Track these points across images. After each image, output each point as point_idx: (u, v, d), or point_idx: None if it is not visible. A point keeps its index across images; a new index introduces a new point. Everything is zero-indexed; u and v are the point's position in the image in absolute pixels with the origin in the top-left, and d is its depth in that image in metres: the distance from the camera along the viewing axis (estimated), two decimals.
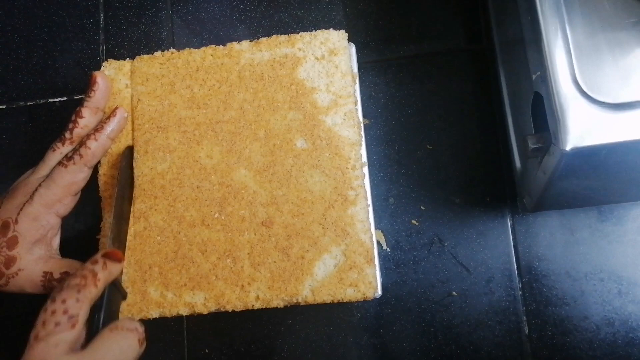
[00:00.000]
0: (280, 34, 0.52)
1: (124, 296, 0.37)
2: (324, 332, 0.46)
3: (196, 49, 0.42)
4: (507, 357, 0.44)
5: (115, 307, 0.35)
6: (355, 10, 0.51)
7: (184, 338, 0.48)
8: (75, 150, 0.39)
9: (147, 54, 0.53)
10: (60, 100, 0.54)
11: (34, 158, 0.52)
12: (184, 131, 0.40)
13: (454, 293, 0.45)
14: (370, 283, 0.37)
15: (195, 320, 0.48)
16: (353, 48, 0.43)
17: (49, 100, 0.54)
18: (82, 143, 0.39)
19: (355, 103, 0.40)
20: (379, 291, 0.39)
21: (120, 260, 0.34)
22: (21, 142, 0.53)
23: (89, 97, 0.40)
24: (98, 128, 0.40)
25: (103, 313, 0.33)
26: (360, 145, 0.39)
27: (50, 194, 0.37)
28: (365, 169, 0.40)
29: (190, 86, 0.41)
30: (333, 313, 0.46)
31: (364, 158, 0.40)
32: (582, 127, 0.31)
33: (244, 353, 0.47)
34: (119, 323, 0.32)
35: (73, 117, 0.40)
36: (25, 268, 0.37)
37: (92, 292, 0.31)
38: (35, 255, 0.38)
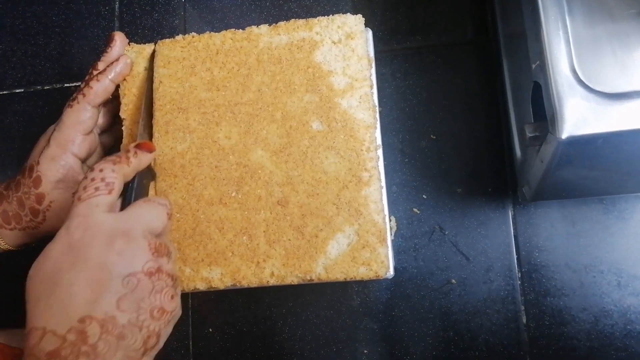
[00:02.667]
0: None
1: (153, 176, 0.41)
2: (324, 315, 0.47)
3: (216, 33, 0.43)
4: (504, 345, 0.45)
5: (146, 184, 0.39)
6: (364, 0, 0.52)
7: (189, 317, 0.49)
8: (79, 91, 0.42)
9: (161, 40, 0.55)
10: (75, 85, 0.55)
11: None
12: (203, 112, 0.41)
13: (453, 281, 0.46)
14: (382, 262, 0.38)
15: (200, 300, 0.49)
16: (370, 33, 0.43)
17: (65, 85, 0.56)
18: (85, 83, 0.42)
19: (371, 87, 0.41)
20: (391, 271, 0.39)
21: (151, 151, 0.38)
22: (37, 124, 0.55)
23: (106, 52, 0.43)
24: (102, 71, 0.42)
25: (134, 190, 0.37)
26: (375, 127, 0.40)
27: (62, 135, 0.41)
28: (380, 151, 0.40)
29: (210, 69, 0.42)
30: (334, 297, 0.47)
31: (379, 140, 0.41)
32: (579, 116, 0.31)
33: (246, 333, 0.48)
34: (151, 197, 0.37)
35: (90, 70, 0.43)
36: (55, 200, 0.41)
37: (124, 168, 0.36)
38: (60, 189, 0.41)
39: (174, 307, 0.33)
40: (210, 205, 0.40)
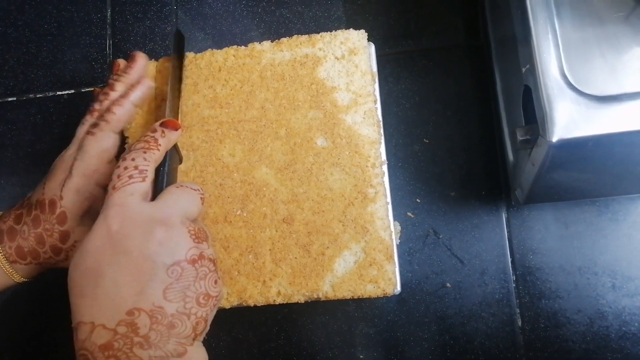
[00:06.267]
0: (281, 29, 0.53)
1: (180, 160, 0.40)
2: (319, 321, 0.47)
3: (218, 50, 0.43)
4: (500, 348, 0.45)
5: (175, 168, 0.39)
6: (355, 6, 0.52)
7: None
8: (101, 117, 0.40)
9: (153, 48, 0.55)
10: (68, 93, 0.55)
11: (43, 149, 0.54)
12: (207, 130, 0.41)
13: (448, 285, 0.46)
14: (389, 279, 0.37)
15: None
16: (372, 47, 0.43)
17: (57, 92, 0.55)
18: (107, 109, 0.40)
19: (375, 102, 0.40)
20: (398, 287, 0.39)
21: (176, 128, 0.38)
22: (30, 133, 0.55)
23: (126, 73, 0.42)
24: (123, 95, 0.41)
25: (166, 174, 0.36)
26: (380, 143, 0.40)
27: (85, 165, 0.38)
28: (385, 167, 0.40)
29: (212, 86, 0.42)
30: (329, 302, 0.47)
31: (383, 156, 0.41)
32: (569, 119, 0.31)
33: (241, 340, 0.48)
34: (183, 183, 0.36)
35: (105, 90, 0.41)
36: (79, 239, 0.39)
37: (155, 153, 0.35)
38: (86, 226, 0.39)
39: (218, 291, 0.33)
40: (215, 223, 0.39)
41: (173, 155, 0.38)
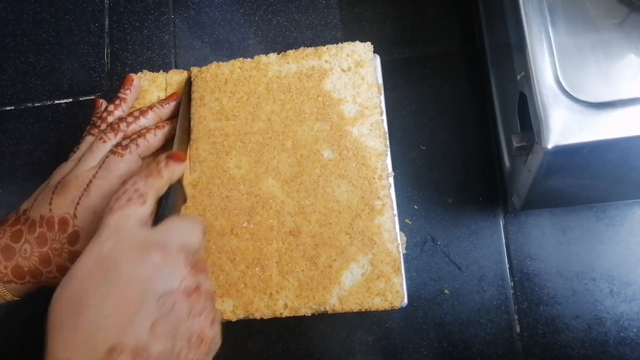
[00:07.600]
0: (278, 37, 0.53)
1: (184, 199, 0.40)
2: (318, 328, 0.47)
3: (224, 62, 0.43)
4: (499, 355, 0.45)
5: (178, 205, 0.38)
6: (352, 13, 0.52)
7: None
8: (132, 140, 0.39)
9: (150, 56, 0.55)
10: (66, 102, 0.55)
11: (40, 157, 0.54)
12: (213, 142, 0.41)
13: (446, 291, 0.46)
14: (397, 292, 0.37)
15: None
16: (378, 59, 0.43)
17: (55, 101, 0.56)
18: (140, 134, 0.40)
19: (381, 114, 0.41)
20: (406, 300, 0.38)
21: (181, 160, 0.36)
22: (28, 142, 0.55)
23: (125, 95, 0.43)
24: (159, 126, 0.41)
25: (168, 209, 0.35)
26: (386, 155, 0.40)
27: (107, 185, 0.37)
28: (391, 179, 0.40)
29: (219, 99, 0.42)
30: None
31: (390, 168, 0.41)
32: (564, 125, 0.31)
33: (240, 348, 0.48)
34: (184, 214, 0.35)
35: (136, 114, 0.42)
36: None
37: (157, 181, 0.34)
38: None
39: (214, 334, 0.30)
40: (222, 236, 0.39)
41: (177, 192, 0.38)
